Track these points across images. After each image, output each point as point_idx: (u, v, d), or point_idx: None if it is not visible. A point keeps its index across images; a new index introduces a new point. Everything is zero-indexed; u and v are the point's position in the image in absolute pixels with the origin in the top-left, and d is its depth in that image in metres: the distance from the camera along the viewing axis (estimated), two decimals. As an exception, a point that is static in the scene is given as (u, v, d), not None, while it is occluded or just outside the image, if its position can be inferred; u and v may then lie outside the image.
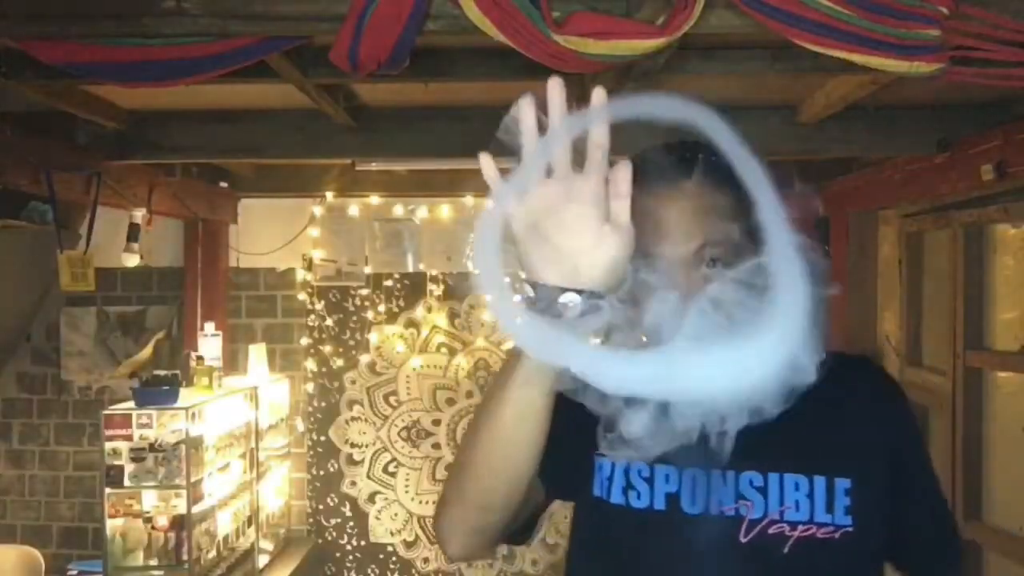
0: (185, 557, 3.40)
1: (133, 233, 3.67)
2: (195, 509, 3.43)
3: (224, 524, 3.72)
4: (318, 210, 4.52)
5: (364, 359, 4.57)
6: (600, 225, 0.78)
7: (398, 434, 4.59)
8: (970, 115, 2.96)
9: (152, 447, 3.37)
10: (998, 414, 3.13)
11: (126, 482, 3.38)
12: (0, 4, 1.77)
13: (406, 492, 4.60)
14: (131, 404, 3.43)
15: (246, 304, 4.60)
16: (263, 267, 4.57)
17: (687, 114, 0.71)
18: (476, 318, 4.53)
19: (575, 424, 0.86)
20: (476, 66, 2.32)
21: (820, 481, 1.04)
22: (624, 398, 0.77)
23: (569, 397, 0.81)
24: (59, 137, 3.13)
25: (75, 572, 3.86)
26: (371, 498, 4.59)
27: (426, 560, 4.59)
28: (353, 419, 4.59)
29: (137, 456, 3.37)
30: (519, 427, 0.91)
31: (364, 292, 4.56)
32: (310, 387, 4.58)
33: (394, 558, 4.59)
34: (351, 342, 4.58)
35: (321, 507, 4.60)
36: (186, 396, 3.55)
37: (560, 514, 1.30)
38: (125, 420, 3.38)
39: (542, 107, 0.77)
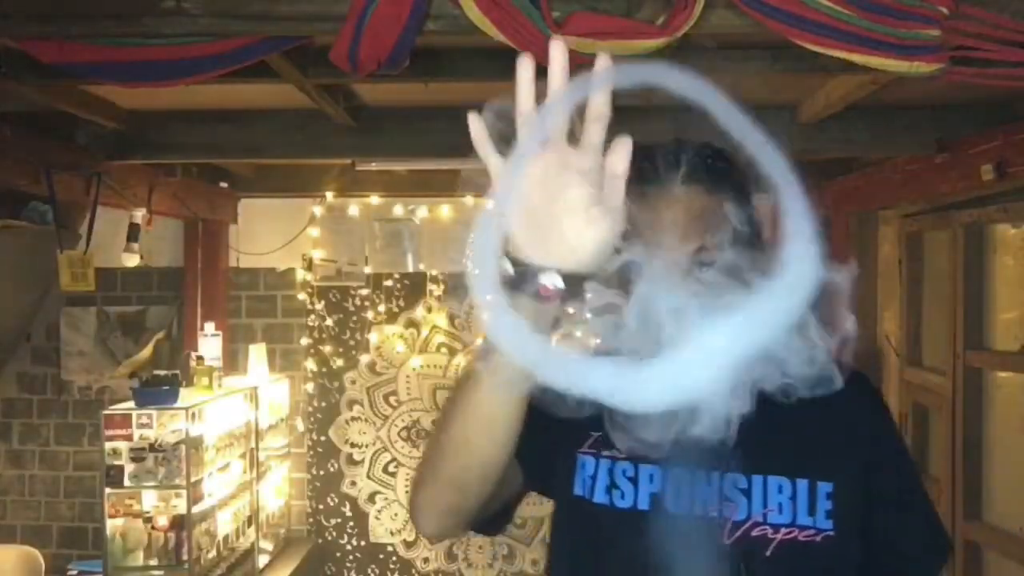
0: (185, 557, 3.40)
1: (133, 233, 3.68)
2: (195, 509, 3.43)
3: (224, 524, 3.72)
4: (318, 210, 4.52)
5: (364, 359, 4.57)
6: (591, 204, 0.72)
7: (398, 434, 4.59)
8: (970, 115, 2.96)
9: (152, 447, 3.37)
10: (998, 414, 3.13)
11: (126, 482, 3.38)
12: (0, 4, 1.77)
13: (406, 492, 4.60)
14: (131, 404, 3.43)
15: (246, 304, 4.60)
16: (263, 267, 4.57)
17: (691, 87, 0.64)
18: (476, 318, 4.52)
19: (557, 418, 0.85)
20: (476, 66, 2.32)
21: (803, 484, 1.04)
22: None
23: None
24: (59, 137, 3.13)
25: (75, 572, 3.86)
26: (371, 498, 4.59)
27: (426, 560, 4.59)
28: (353, 419, 4.59)
29: (137, 456, 3.37)
30: (494, 411, 0.89)
31: (364, 292, 4.56)
32: (310, 387, 4.58)
33: (394, 558, 4.59)
34: (351, 342, 4.58)
35: (321, 507, 4.60)
36: (186, 396, 3.55)
37: (560, 514, 1.29)
38: (125, 420, 3.38)
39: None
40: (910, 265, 3.72)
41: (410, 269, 4.54)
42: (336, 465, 4.59)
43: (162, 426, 3.38)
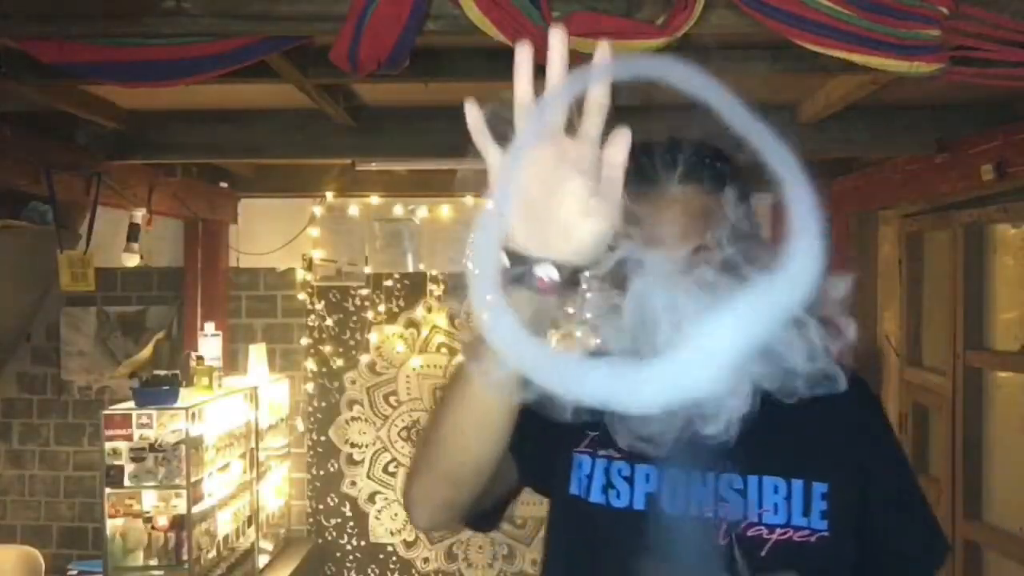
0: (185, 557, 3.40)
1: (133, 233, 3.68)
2: (195, 509, 3.43)
3: (224, 524, 3.72)
4: (318, 210, 4.52)
5: (364, 359, 4.57)
6: (588, 195, 0.70)
7: (398, 434, 4.59)
8: (970, 115, 2.96)
9: (152, 447, 3.37)
10: (998, 414, 3.13)
11: (126, 482, 3.38)
12: (0, 4, 1.77)
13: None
14: (131, 404, 3.43)
15: (246, 304, 4.60)
16: (263, 267, 4.57)
17: (693, 80, 0.62)
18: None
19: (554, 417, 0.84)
20: (476, 66, 2.32)
21: (798, 484, 1.04)
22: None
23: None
24: (59, 137, 3.13)
25: (75, 572, 3.86)
26: (371, 498, 4.59)
27: (426, 560, 4.59)
28: (353, 419, 4.59)
29: (137, 456, 3.37)
30: (486, 407, 0.88)
31: (364, 292, 4.56)
32: (310, 387, 4.58)
33: (394, 558, 4.59)
34: (351, 342, 4.58)
35: (321, 507, 4.60)
36: (186, 396, 3.55)
37: (560, 514, 1.29)
38: (125, 420, 3.38)
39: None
40: (910, 265, 3.72)
41: (410, 269, 4.54)
42: (336, 465, 4.59)
43: (162, 426, 3.38)
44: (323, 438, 4.59)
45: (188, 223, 4.42)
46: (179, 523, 3.40)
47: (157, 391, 3.45)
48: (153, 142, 3.24)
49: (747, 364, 0.63)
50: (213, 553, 3.62)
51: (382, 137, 3.20)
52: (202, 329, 4.17)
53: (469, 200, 4.42)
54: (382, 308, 4.54)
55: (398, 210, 4.51)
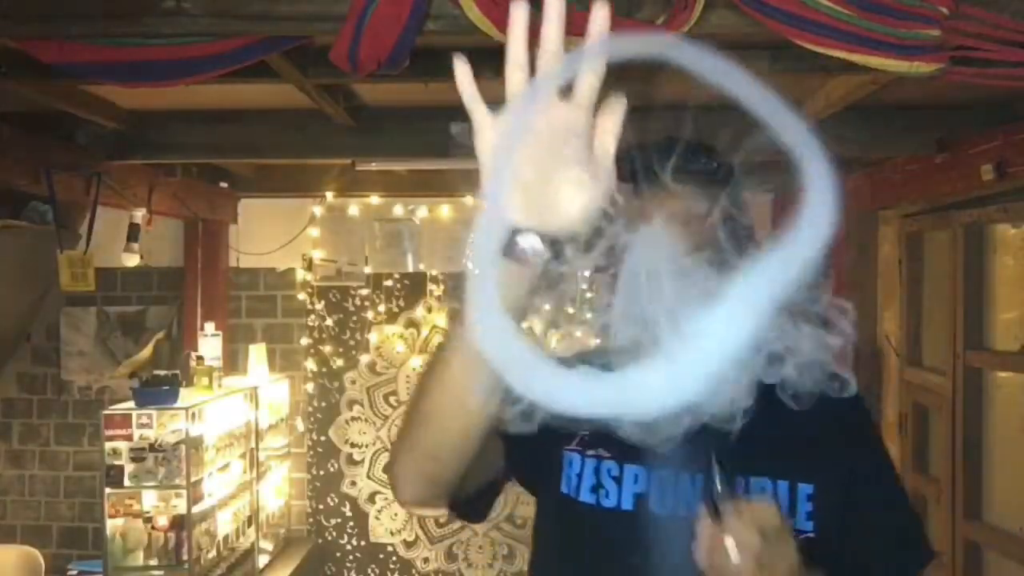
0: (185, 557, 3.40)
1: (133, 233, 3.68)
2: (195, 509, 3.44)
3: (224, 524, 3.72)
4: (318, 210, 4.52)
5: (364, 359, 4.57)
6: (580, 162, 0.68)
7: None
8: (970, 115, 2.96)
9: (152, 447, 3.37)
10: (998, 414, 3.13)
11: (126, 482, 3.38)
12: (0, 4, 1.77)
13: (406, 492, 4.60)
14: (131, 404, 3.43)
15: (246, 304, 4.60)
16: (263, 267, 4.57)
17: (697, 59, 0.60)
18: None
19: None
20: (476, 66, 2.31)
21: (783, 485, 1.05)
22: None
23: None
24: (59, 137, 3.13)
25: (75, 572, 3.86)
26: (371, 498, 4.59)
27: (426, 560, 4.59)
28: (353, 419, 4.59)
29: (137, 456, 3.37)
30: (467, 384, 0.87)
31: (364, 292, 4.56)
32: (310, 387, 4.58)
33: (394, 558, 4.59)
34: (351, 342, 4.58)
35: (321, 507, 4.60)
36: (186, 396, 3.55)
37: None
38: (125, 420, 3.38)
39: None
40: (910, 265, 3.72)
41: (410, 269, 4.54)
42: (336, 465, 4.59)
43: (162, 426, 3.38)
44: (323, 438, 4.59)
45: (188, 223, 4.42)
46: (179, 523, 3.40)
47: (157, 391, 3.45)
48: (153, 142, 3.24)
49: (739, 366, 0.63)
50: (213, 553, 3.62)
51: (382, 137, 3.19)
52: (202, 329, 4.17)
53: (469, 200, 4.42)
54: (382, 308, 4.54)
55: (398, 210, 4.51)
